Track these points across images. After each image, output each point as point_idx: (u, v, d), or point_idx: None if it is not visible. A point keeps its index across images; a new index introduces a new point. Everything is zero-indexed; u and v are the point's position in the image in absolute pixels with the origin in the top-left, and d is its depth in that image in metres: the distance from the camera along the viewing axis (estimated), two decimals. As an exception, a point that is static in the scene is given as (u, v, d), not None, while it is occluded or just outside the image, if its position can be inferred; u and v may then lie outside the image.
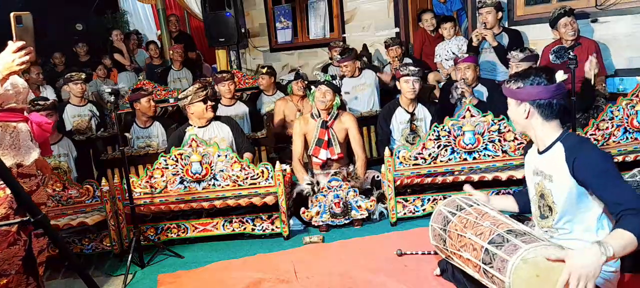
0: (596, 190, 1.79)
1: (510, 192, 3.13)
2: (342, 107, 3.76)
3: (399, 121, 3.82)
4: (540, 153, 1.99)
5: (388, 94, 4.93)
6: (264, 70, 5.05)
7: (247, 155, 3.55)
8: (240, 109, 4.65)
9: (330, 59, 5.95)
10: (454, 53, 5.01)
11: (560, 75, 1.90)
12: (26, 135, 2.07)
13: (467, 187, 2.43)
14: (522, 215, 2.37)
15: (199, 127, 3.59)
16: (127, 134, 4.17)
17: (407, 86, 3.68)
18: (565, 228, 1.93)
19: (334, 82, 3.60)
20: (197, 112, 3.58)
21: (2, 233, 1.86)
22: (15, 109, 2.03)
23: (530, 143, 2.14)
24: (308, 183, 3.30)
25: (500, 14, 4.39)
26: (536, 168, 2.02)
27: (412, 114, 3.79)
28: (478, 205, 2.20)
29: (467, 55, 4.05)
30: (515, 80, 1.95)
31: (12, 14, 1.72)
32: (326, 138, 3.55)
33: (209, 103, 3.56)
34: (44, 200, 2.21)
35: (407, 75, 3.66)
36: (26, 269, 2.04)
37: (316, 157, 3.58)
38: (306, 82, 4.58)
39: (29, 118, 2.12)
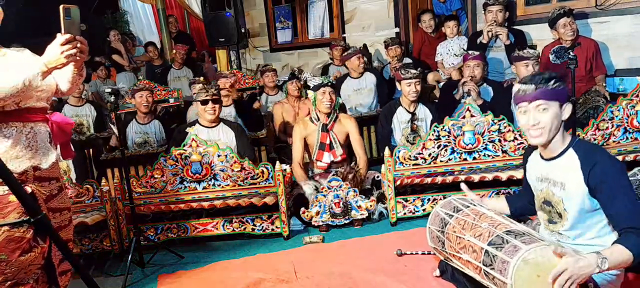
0: (605, 200, 1.78)
1: (510, 192, 3.14)
2: (342, 108, 3.76)
3: (399, 121, 3.82)
4: (547, 160, 1.94)
5: (388, 94, 4.94)
6: (273, 66, 5.11)
7: None
8: (233, 110, 4.65)
9: (331, 58, 5.95)
10: (455, 54, 5.03)
11: None
12: (44, 136, 1.94)
13: (463, 186, 2.42)
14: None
15: (205, 127, 3.58)
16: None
17: (410, 89, 3.68)
18: (575, 233, 1.91)
19: (331, 79, 3.62)
20: (199, 111, 3.57)
21: (14, 240, 1.76)
22: (35, 108, 1.90)
23: (530, 148, 2.11)
24: (314, 189, 3.30)
25: (507, 13, 4.40)
26: (541, 175, 1.99)
27: (413, 114, 3.79)
28: (474, 205, 2.20)
29: (476, 53, 4.02)
30: (549, 80, 1.81)
31: (61, 6, 1.67)
32: (328, 141, 3.55)
33: (210, 105, 3.54)
34: (68, 205, 2.07)
35: (409, 78, 3.66)
36: (49, 279, 1.92)
37: (320, 160, 3.57)
38: (302, 83, 4.59)
39: (50, 118, 1.98)
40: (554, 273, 1.61)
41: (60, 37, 1.69)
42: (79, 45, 1.71)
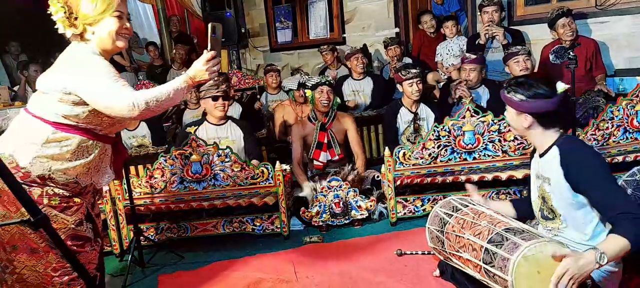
0: (589, 192, 1.80)
1: (510, 193, 3.14)
2: (343, 107, 3.75)
3: (403, 120, 3.81)
4: (540, 156, 2.01)
5: (388, 94, 4.93)
6: (279, 67, 5.10)
7: (254, 162, 3.39)
8: (233, 109, 4.62)
9: (325, 63, 5.92)
10: (455, 54, 5.02)
11: (561, 86, 1.89)
12: (109, 159, 1.97)
13: (468, 186, 2.42)
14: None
15: (213, 125, 3.54)
16: None
17: (412, 89, 3.66)
18: (571, 234, 1.93)
19: (330, 79, 3.63)
20: (207, 108, 3.53)
21: (79, 236, 1.81)
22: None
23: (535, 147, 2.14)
24: (313, 190, 3.30)
25: (503, 13, 4.41)
26: (538, 172, 2.04)
27: (415, 114, 3.78)
28: (474, 205, 2.21)
29: (474, 57, 3.92)
30: (514, 90, 1.92)
31: (209, 25, 1.79)
32: (325, 140, 3.55)
33: (220, 102, 3.45)
34: (98, 210, 2.09)
35: (411, 78, 3.65)
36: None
37: (317, 160, 3.57)
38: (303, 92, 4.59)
39: (119, 142, 2.01)
40: (556, 275, 1.61)
41: (206, 54, 1.79)
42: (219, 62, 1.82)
